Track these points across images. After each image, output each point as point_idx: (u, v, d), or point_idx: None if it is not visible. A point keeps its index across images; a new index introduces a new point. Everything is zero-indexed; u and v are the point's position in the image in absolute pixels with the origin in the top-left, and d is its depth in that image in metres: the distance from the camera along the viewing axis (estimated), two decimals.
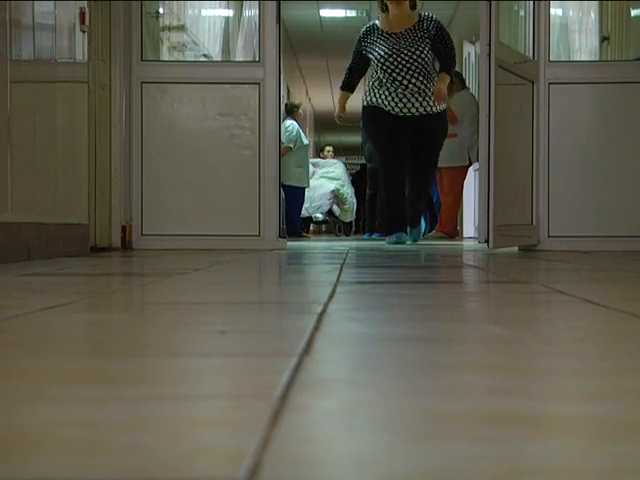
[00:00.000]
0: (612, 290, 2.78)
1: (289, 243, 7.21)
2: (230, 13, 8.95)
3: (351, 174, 18.01)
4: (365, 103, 7.82)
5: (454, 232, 10.82)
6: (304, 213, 13.94)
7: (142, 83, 6.55)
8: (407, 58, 7.56)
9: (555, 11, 7.42)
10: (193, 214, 6.55)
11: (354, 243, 9.21)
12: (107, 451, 0.76)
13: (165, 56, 7.89)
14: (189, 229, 6.55)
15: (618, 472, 0.71)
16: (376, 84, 7.70)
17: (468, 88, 10.92)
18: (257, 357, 1.32)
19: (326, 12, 15.37)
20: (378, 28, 7.72)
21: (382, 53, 7.61)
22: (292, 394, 1.00)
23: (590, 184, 6.58)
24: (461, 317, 2.00)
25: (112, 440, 0.80)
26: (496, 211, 5.91)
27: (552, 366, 1.26)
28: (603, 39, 7.64)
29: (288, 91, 18.08)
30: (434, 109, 7.66)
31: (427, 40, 7.59)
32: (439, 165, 8.49)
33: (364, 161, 14.90)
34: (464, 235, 12.40)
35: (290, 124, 12.18)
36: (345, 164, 16.73)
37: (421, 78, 7.58)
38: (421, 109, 7.62)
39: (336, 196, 15.48)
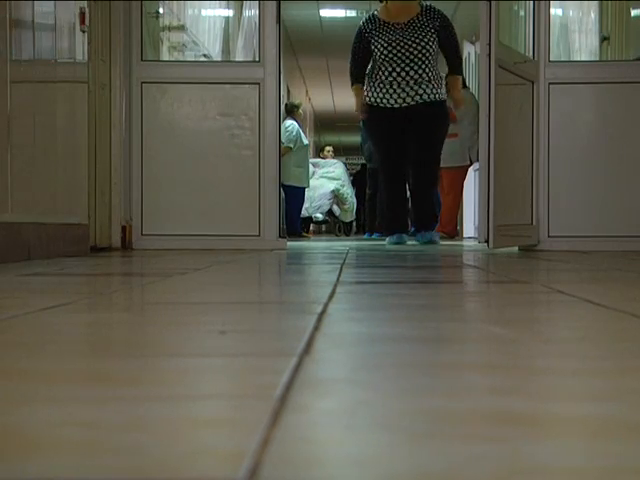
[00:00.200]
0: (612, 290, 2.78)
1: (289, 243, 7.21)
2: (230, 13, 8.95)
3: (351, 174, 18.01)
4: (364, 101, 7.75)
5: (454, 232, 10.82)
6: (304, 213, 13.94)
7: (142, 83, 6.55)
8: (410, 49, 7.40)
9: (555, 11, 7.42)
10: (193, 214, 6.55)
11: (354, 243, 9.21)
12: (107, 451, 0.76)
13: (165, 56, 7.89)
14: (189, 229, 6.55)
15: (618, 472, 0.71)
16: (372, 78, 7.54)
17: (468, 88, 10.91)
18: (257, 357, 1.32)
19: (326, 12, 15.38)
20: (379, 19, 7.55)
21: (384, 44, 7.43)
22: (292, 394, 1.00)
23: (590, 184, 6.58)
24: (461, 317, 2.00)
25: (112, 440, 0.80)
26: (496, 211, 5.91)
27: (552, 366, 1.26)
28: (603, 39, 7.64)
29: (288, 91, 18.09)
30: (432, 97, 7.44)
31: (432, 31, 7.41)
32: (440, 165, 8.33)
33: (364, 161, 14.90)
34: (464, 235, 12.41)
35: (290, 124, 12.19)
36: (345, 164, 16.73)
37: (417, 68, 7.40)
38: (417, 97, 7.42)
39: (336, 196, 15.49)
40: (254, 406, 0.95)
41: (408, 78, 7.43)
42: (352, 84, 7.74)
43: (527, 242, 6.50)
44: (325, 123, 28.94)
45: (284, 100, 12.91)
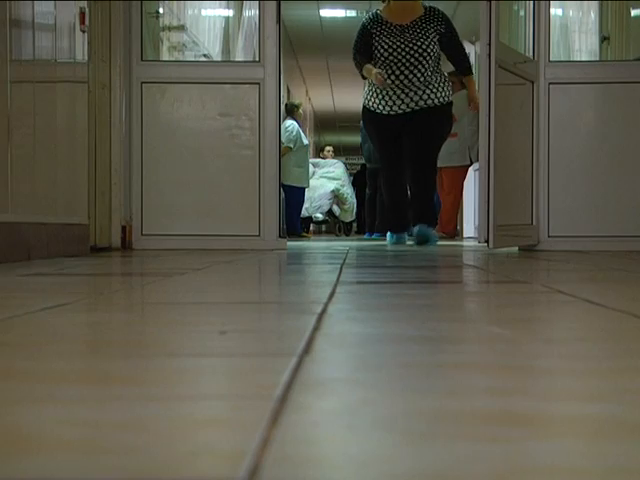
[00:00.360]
0: (612, 290, 2.78)
1: (289, 243, 7.21)
2: (230, 13, 8.95)
3: (351, 174, 18.02)
4: (364, 103, 7.73)
5: (454, 232, 10.82)
6: (304, 213, 13.95)
7: (142, 83, 6.55)
8: (412, 52, 7.30)
9: (555, 11, 7.42)
10: (193, 214, 6.56)
11: (354, 243, 9.21)
12: (107, 451, 0.76)
13: (165, 56, 7.89)
14: (189, 229, 6.55)
15: (618, 472, 0.71)
16: (373, 83, 7.44)
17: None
18: (257, 357, 1.32)
19: (326, 12, 15.38)
20: (382, 17, 7.46)
21: (385, 46, 7.36)
22: (292, 394, 1.00)
23: (590, 184, 6.58)
24: (461, 317, 2.00)
25: (112, 440, 0.80)
26: (496, 211, 5.91)
27: (552, 366, 1.26)
28: (603, 39, 7.64)
29: (288, 91, 18.09)
30: (436, 101, 7.36)
31: (435, 35, 7.33)
32: (439, 165, 8.28)
33: (364, 161, 14.91)
34: (464, 235, 12.40)
35: (290, 124, 12.19)
36: (345, 164, 16.73)
37: (419, 72, 7.32)
38: (421, 102, 7.33)
39: (336, 196, 15.49)
40: (254, 406, 0.95)
41: (410, 83, 7.34)
42: (361, 68, 7.46)
43: (527, 242, 6.50)
44: (325, 123, 28.94)
45: (284, 100, 12.91)
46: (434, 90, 7.39)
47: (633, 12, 7.54)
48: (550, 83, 6.58)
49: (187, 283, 3.01)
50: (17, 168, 4.47)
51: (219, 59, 8.67)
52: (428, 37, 7.34)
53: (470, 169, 10.94)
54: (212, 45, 8.93)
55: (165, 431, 0.84)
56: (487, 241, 5.94)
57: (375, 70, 7.32)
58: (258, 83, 6.54)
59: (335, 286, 2.68)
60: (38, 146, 4.78)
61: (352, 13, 15.22)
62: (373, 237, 11.97)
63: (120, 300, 2.43)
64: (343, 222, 16.06)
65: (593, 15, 7.86)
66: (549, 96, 6.57)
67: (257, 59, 6.62)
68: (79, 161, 5.44)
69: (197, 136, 6.56)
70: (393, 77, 7.39)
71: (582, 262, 4.63)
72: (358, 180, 17.42)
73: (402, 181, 7.68)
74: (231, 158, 6.56)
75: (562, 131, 6.57)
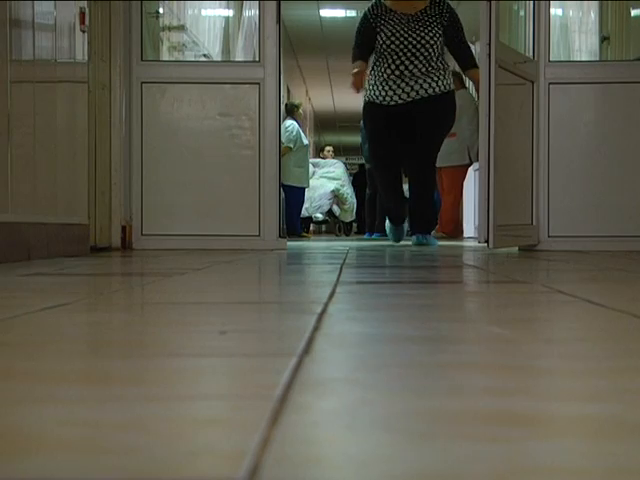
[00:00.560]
0: (612, 290, 2.78)
1: (289, 243, 7.21)
2: (230, 13, 8.95)
3: (351, 174, 18.02)
4: (365, 99, 7.65)
5: (455, 232, 10.83)
6: (304, 213, 13.95)
7: (142, 83, 6.55)
8: (414, 42, 7.21)
9: (555, 11, 7.42)
10: (193, 214, 6.56)
11: (354, 243, 9.21)
12: (107, 451, 0.76)
13: (165, 56, 7.89)
14: (189, 229, 6.55)
15: (618, 472, 0.71)
16: (375, 74, 7.35)
17: (467, 88, 10.92)
18: (257, 357, 1.32)
19: (326, 12, 15.38)
20: (385, 5, 7.36)
21: (389, 34, 7.25)
22: (292, 394, 1.00)
23: (590, 184, 6.58)
24: (461, 317, 2.00)
25: (112, 440, 0.80)
26: (496, 211, 5.91)
27: (552, 366, 1.26)
28: (603, 39, 7.64)
29: (288, 91, 18.10)
30: (437, 90, 7.25)
31: (439, 26, 7.23)
32: (439, 165, 8.22)
33: (364, 161, 14.91)
34: (464, 235, 12.41)
35: (290, 124, 12.19)
36: (345, 164, 16.74)
37: (421, 62, 7.21)
38: (422, 91, 7.22)
39: (336, 196, 15.49)
40: (254, 406, 0.95)
41: (411, 73, 7.24)
42: (354, 61, 7.36)
43: (527, 242, 6.50)
44: (325, 123, 28.95)
45: (284, 100, 12.91)
46: (435, 79, 7.26)
47: (633, 12, 7.54)
48: (550, 83, 6.58)
49: (187, 283, 3.01)
50: (17, 168, 4.47)
51: (219, 59, 8.67)
52: (433, 29, 7.23)
53: (470, 169, 10.94)
54: (212, 45, 8.94)
55: (165, 431, 0.84)
56: (487, 241, 5.93)
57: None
58: (258, 83, 6.54)
59: (335, 286, 2.68)
60: (38, 146, 4.78)
61: (352, 13, 15.23)
62: (373, 237, 11.97)
63: (120, 300, 2.43)
64: (343, 222, 16.06)
65: (593, 15, 7.86)
66: (549, 96, 6.57)
67: (257, 59, 6.62)
68: (79, 161, 5.44)
69: (197, 136, 6.56)
70: (396, 66, 7.28)
71: (582, 262, 4.63)
72: (358, 180, 17.42)
73: (396, 178, 7.54)
74: (231, 158, 6.56)
75: (562, 131, 6.57)
